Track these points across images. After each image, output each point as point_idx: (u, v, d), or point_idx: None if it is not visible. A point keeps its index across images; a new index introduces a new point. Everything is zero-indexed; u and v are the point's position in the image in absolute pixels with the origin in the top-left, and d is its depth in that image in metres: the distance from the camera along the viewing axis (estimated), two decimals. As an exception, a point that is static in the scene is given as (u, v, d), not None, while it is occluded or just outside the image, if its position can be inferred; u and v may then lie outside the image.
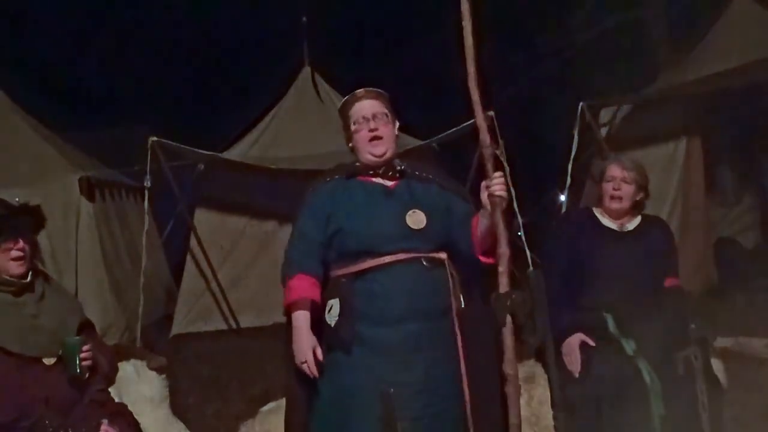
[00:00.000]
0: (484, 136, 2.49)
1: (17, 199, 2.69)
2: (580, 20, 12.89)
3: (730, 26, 7.36)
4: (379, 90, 2.71)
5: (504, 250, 2.43)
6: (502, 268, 2.43)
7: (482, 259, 2.57)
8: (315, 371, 2.47)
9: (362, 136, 2.63)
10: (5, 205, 2.63)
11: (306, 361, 2.46)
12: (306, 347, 2.47)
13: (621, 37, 12.02)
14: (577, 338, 3.08)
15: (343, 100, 2.73)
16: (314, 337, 2.49)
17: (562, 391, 3.10)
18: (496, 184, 2.45)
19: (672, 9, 11.08)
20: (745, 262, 7.26)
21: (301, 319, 2.50)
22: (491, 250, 2.52)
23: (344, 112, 2.71)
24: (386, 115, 2.65)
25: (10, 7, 13.57)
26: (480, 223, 2.55)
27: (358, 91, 2.69)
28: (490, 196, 2.45)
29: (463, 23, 2.44)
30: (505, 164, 6.81)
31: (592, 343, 3.07)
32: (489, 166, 2.48)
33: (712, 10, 7.83)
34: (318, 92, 8.30)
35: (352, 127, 2.66)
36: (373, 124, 2.61)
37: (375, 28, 15.96)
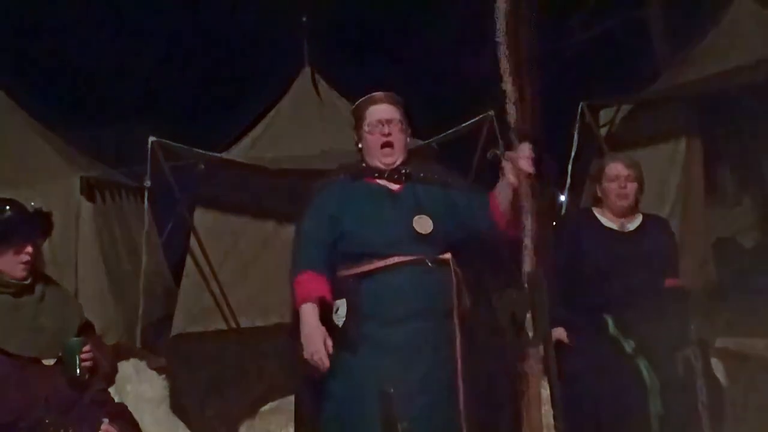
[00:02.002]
0: (510, 90, 2.23)
1: (32, 204, 2.70)
2: (581, 20, 12.90)
3: (730, 26, 7.36)
4: (398, 96, 2.69)
5: (530, 222, 2.27)
6: (528, 242, 2.28)
7: (511, 233, 2.46)
8: (327, 362, 2.44)
9: (375, 139, 2.62)
10: (22, 209, 2.64)
11: (316, 352, 2.43)
12: (318, 339, 2.44)
13: (621, 37, 12.03)
14: (554, 333, 3.09)
15: (360, 100, 2.70)
16: (325, 330, 2.46)
17: (562, 391, 3.11)
18: (523, 158, 2.29)
19: (672, 9, 11.08)
20: (745, 262, 7.26)
21: (310, 311, 2.47)
22: (515, 224, 2.44)
23: (359, 113, 2.69)
24: (401, 122, 2.64)
25: (11, 8, 13.57)
26: (499, 199, 2.48)
27: (377, 93, 2.68)
28: (517, 171, 2.31)
29: None
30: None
31: (566, 341, 3.09)
32: (514, 136, 2.28)
33: (713, 10, 7.83)
34: (318, 92, 8.29)
35: (366, 129, 2.64)
36: (387, 129, 2.60)
37: (375, 28, 15.96)
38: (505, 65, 2.25)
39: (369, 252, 2.51)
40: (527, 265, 2.30)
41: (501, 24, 2.27)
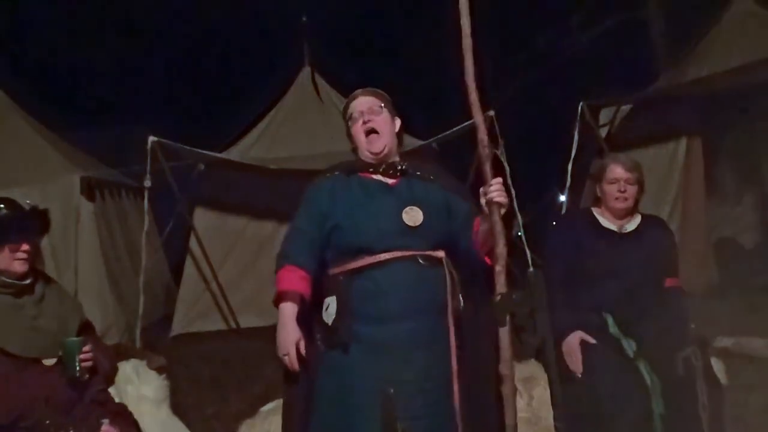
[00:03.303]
0: (482, 136, 2.44)
1: (28, 201, 2.70)
2: (580, 20, 12.90)
3: (730, 26, 7.37)
4: (377, 89, 2.73)
5: (501, 249, 2.40)
6: (500, 268, 2.41)
7: (487, 260, 2.56)
8: (296, 365, 2.43)
9: (357, 129, 2.64)
10: (17, 207, 2.65)
11: (288, 354, 2.43)
12: (289, 340, 2.43)
13: (621, 37, 12.03)
14: (576, 336, 3.09)
15: (344, 104, 2.75)
16: (299, 331, 2.46)
17: (562, 391, 3.11)
18: (495, 191, 2.39)
19: (672, 9, 11.07)
20: (745, 262, 7.26)
21: (287, 310, 2.47)
22: (491, 252, 2.51)
23: (344, 115, 2.73)
24: (381, 107, 2.67)
25: (11, 7, 13.57)
26: (481, 227, 2.53)
27: (357, 90, 2.73)
28: (489, 202, 2.40)
29: (462, 21, 2.42)
30: (505, 164, 6.82)
31: (592, 340, 3.07)
32: (487, 168, 2.43)
33: (713, 10, 7.84)
34: (318, 92, 8.30)
35: (349, 124, 2.68)
36: (366, 117, 2.63)
37: (375, 28, 15.96)
38: (474, 100, 2.41)
39: (359, 246, 2.50)
40: (500, 287, 2.36)
41: (468, 61, 2.40)
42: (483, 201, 2.44)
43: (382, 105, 2.67)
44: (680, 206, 7.10)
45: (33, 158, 6.72)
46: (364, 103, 2.67)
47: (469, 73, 2.42)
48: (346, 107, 2.72)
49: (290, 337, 2.44)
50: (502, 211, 2.40)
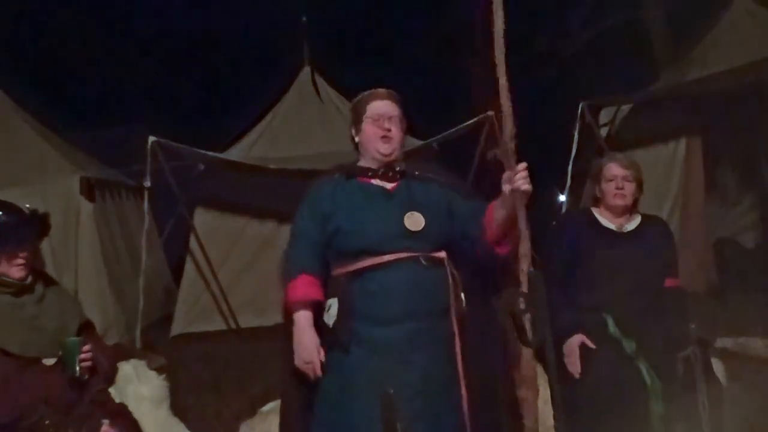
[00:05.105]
0: (509, 126, 2.39)
1: (28, 206, 2.69)
2: (580, 20, 12.90)
3: (730, 26, 7.37)
4: (396, 94, 2.73)
5: (525, 251, 2.34)
6: (525, 267, 2.35)
7: (497, 249, 2.52)
8: (319, 371, 2.47)
9: (374, 132, 2.63)
10: (17, 212, 2.64)
11: (311, 362, 2.46)
12: (312, 347, 2.46)
13: (621, 37, 12.02)
14: (577, 339, 3.09)
15: (362, 94, 2.73)
16: (318, 337, 2.48)
17: (562, 391, 3.10)
18: (521, 178, 2.35)
19: (672, 9, 11.07)
20: (745, 262, 7.27)
21: (304, 318, 2.50)
22: (504, 241, 2.49)
23: (359, 107, 2.71)
24: (400, 120, 2.68)
25: (11, 7, 13.56)
26: (496, 214, 2.49)
27: (379, 89, 2.71)
28: (514, 190, 2.36)
29: (493, 5, 2.35)
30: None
31: (591, 345, 3.07)
32: (511, 158, 2.37)
33: (713, 10, 7.84)
34: (318, 92, 8.30)
35: (365, 122, 2.66)
36: (387, 124, 2.63)
37: (375, 27, 15.95)
38: (503, 82, 2.36)
39: (361, 249, 2.51)
40: (524, 287, 2.31)
41: (498, 43, 2.34)
42: (506, 189, 2.39)
43: (401, 117, 2.68)
44: (680, 206, 7.10)
45: (33, 158, 6.71)
46: (391, 109, 2.67)
47: (499, 60, 2.35)
48: (365, 102, 2.70)
49: (312, 344, 2.47)
50: (525, 200, 2.36)
